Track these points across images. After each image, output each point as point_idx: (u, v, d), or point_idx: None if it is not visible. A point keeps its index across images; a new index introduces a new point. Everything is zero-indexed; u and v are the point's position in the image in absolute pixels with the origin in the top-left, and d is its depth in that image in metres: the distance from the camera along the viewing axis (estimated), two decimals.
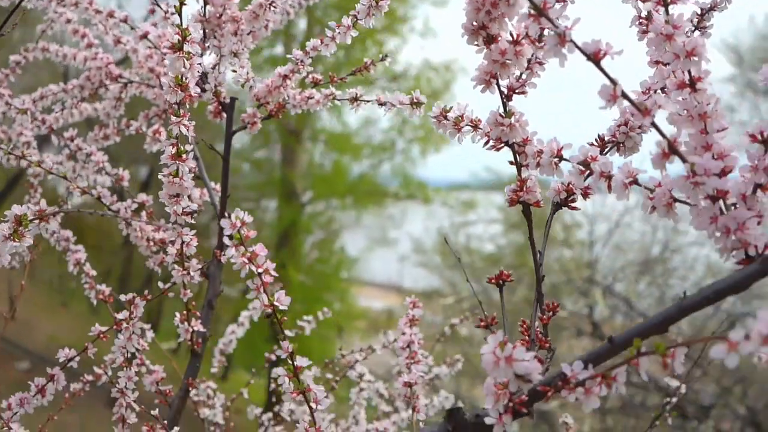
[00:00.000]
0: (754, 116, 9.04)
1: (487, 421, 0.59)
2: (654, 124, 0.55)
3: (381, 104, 0.92)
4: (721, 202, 0.56)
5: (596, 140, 0.74)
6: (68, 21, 1.27)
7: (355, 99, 0.99)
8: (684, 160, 0.55)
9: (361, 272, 12.02)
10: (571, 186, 0.72)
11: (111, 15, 1.14)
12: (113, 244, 10.32)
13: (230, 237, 0.65)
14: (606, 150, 0.74)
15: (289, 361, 0.69)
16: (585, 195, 0.72)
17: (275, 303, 0.67)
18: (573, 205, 0.73)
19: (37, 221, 0.71)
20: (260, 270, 0.66)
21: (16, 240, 0.72)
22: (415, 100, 0.88)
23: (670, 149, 0.55)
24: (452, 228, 9.42)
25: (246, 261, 0.65)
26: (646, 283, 6.60)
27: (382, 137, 12.01)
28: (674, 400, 1.16)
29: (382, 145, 11.96)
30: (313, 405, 0.69)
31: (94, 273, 1.17)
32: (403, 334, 1.02)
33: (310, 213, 12.01)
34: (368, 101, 0.97)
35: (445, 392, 1.41)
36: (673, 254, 7.06)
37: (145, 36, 1.03)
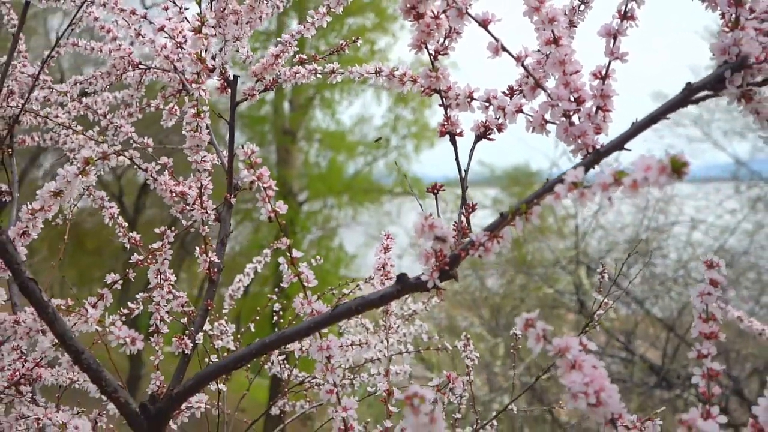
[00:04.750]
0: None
1: (423, 278, 0.86)
2: (525, 67, 0.82)
3: (351, 73, 1.18)
4: (573, 119, 0.82)
5: (507, 89, 1.01)
6: (96, 19, 1.53)
7: (332, 72, 1.26)
8: (545, 90, 0.81)
9: (360, 269, 12.25)
10: (488, 122, 0.98)
11: (133, 12, 1.41)
12: (113, 249, 10.54)
13: (243, 162, 0.92)
14: (514, 96, 1.00)
15: (288, 253, 0.96)
16: (499, 129, 0.99)
17: (276, 209, 0.93)
18: (490, 137, 0.99)
19: (101, 160, 0.98)
20: (265, 185, 0.92)
21: (84, 176, 0.98)
22: (377, 69, 1.14)
23: (536, 84, 0.82)
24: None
25: (255, 179, 0.92)
26: (633, 263, 6.88)
27: (376, 134, 12.29)
28: (601, 311, 1.42)
29: (376, 142, 12.23)
30: (306, 284, 0.95)
31: (126, 224, 1.44)
32: (378, 258, 1.29)
33: (307, 212, 12.28)
34: (342, 72, 1.24)
35: (419, 321, 1.67)
36: (659, 234, 7.35)
37: (161, 29, 1.30)
